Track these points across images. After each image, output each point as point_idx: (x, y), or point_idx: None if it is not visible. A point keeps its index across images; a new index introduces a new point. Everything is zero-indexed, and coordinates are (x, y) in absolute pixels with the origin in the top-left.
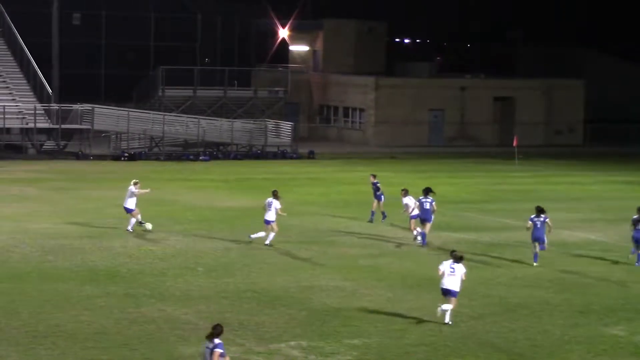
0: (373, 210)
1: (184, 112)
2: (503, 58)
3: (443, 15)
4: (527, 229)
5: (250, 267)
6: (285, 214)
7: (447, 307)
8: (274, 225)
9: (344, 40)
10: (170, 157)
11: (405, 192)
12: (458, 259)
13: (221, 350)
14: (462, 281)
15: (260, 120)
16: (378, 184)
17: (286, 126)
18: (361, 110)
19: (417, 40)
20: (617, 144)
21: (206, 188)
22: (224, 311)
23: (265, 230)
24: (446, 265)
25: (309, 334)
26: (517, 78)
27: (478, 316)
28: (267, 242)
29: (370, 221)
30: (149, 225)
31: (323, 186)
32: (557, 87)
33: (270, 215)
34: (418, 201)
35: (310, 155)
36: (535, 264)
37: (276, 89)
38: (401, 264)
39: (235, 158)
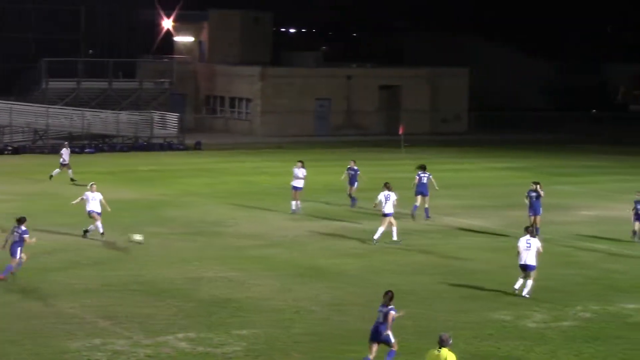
0: (350, 194)
1: (68, 104)
2: (391, 47)
3: (329, 5)
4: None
5: (136, 260)
6: None
7: (529, 284)
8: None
9: (229, 30)
10: (54, 150)
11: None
12: (533, 234)
13: (394, 312)
14: (538, 255)
15: (146, 112)
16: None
17: (172, 117)
18: (248, 100)
19: (303, 30)
20: (501, 131)
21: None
22: (111, 304)
23: None
24: (522, 241)
25: (197, 325)
26: (403, 67)
27: (367, 303)
28: None
29: (353, 206)
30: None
31: (209, 177)
32: (443, 75)
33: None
34: (417, 176)
35: (197, 147)
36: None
37: (162, 80)
38: (289, 254)
39: (121, 150)
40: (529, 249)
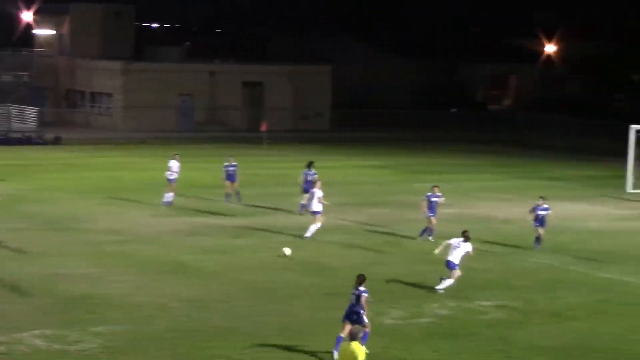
0: (228, 192)
1: None
2: (255, 44)
3: (194, 0)
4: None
5: None
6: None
7: (447, 281)
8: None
9: (91, 24)
10: None
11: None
12: (467, 239)
13: (366, 295)
14: (463, 257)
15: (4, 106)
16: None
17: (31, 111)
18: (109, 95)
19: (167, 25)
20: (365, 129)
21: None
22: None
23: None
24: (454, 240)
25: (53, 322)
26: (266, 63)
27: (228, 300)
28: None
29: (238, 202)
30: None
31: (70, 172)
32: (306, 72)
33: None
34: (303, 174)
35: (57, 141)
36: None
37: (20, 73)
38: (151, 250)
39: None
40: (457, 248)
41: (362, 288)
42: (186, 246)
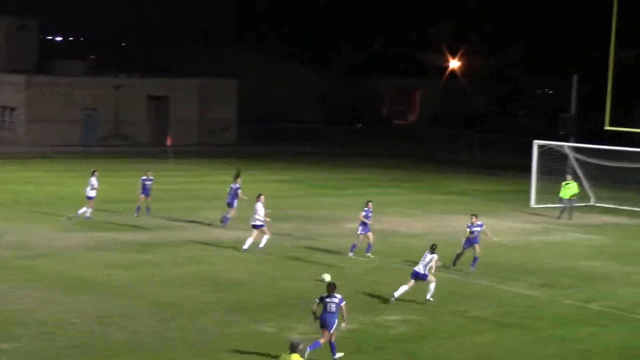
0: (140, 205)
1: None
2: (164, 57)
3: (99, 14)
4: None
5: None
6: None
7: (403, 288)
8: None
9: None
10: None
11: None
12: (432, 250)
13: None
14: (430, 267)
15: None
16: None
17: None
18: (12, 109)
19: (71, 38)
20: (272, 143)
21: None
22: None
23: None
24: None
25: None
26: (173, 77)
27: (133, 315)
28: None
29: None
30: None
31: None
32: (212, 86)
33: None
34: (230, 187)
35: None
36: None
37: None
38: (55, 265)
39: None
40: (423, 261)
41: (339, 296)
42: (91, 261)
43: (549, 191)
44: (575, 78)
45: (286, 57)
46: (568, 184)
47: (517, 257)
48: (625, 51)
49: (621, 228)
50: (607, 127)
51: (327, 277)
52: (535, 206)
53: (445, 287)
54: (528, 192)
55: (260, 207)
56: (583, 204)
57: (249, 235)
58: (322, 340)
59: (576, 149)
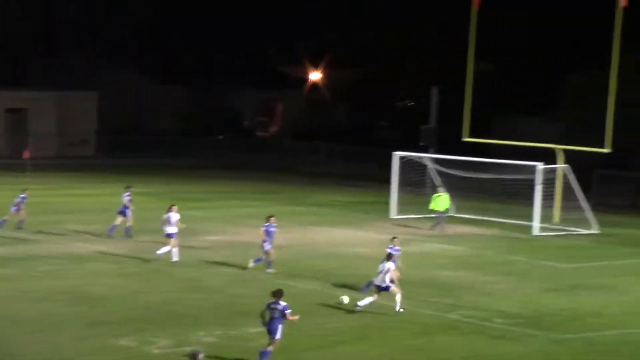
0: (6, 219)
1: None
2: (18, 68)
3: None
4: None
5: None
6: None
7: (368, 299)
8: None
9: None
10: None
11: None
12: (389, 258)
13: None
14: (391, 278)
15: None
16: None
17: None
18: None
19: None
20: (133, 156)
21: None
22: None
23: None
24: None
25: None
26: (30, 89)
27: None
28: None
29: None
30: None
31: None
32: (71, 98)
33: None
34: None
35: None
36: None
37: None
38: None
39: None
40: (381, 273)
41: (283, 303)
42: None
43: (410, 202)
44: (434, 90)
45: (147, 70)
46: (439, 196)
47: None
48: (484, 63)
49: (480, 238)
50: (466, 139)
51: (346, 299)
52: (395, 217)
53: (305, 299)
54: (388, 203)
55: (174, 216)
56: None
57: (167, 245)
58: (270, 348)
59: (436, 160)
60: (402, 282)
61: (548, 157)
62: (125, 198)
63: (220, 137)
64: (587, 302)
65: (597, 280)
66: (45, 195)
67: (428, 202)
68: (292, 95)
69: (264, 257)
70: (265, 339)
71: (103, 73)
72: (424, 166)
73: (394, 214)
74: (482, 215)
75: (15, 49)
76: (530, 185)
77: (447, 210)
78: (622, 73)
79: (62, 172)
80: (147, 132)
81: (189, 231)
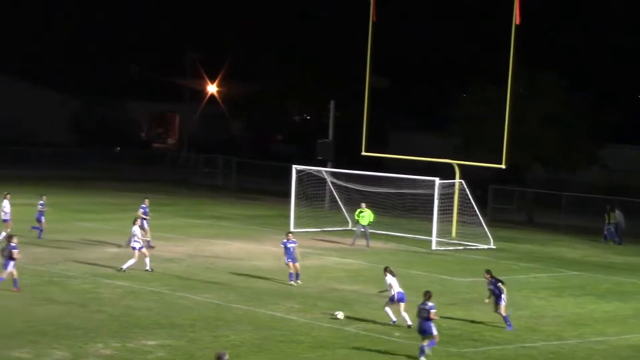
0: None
1: None
2: None
3: None
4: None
5: None
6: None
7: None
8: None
9: None
10: None
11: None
12: (392, 272)
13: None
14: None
15: None
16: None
17: None
18: None
19: None
20: (20, 166)
21: None
22: None
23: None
24: (390, 279)
25: None
26: None
27: None
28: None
29: None
30: None
31: None
32: None
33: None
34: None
35: None
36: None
37: None
38: None
39: None
40: (393, 282)
41: (430, 303)
42: None
43: (308, 216)
44: (332, 104)
45: (34, 79)
46: (362, 212)
47: (276, 282)
48: (380, 78)
49: (377, 252)
50: (364, 153)
51: (340, 315)
52: (294, 230)
53: (203, 312)
54: (286, 217)
55: (137, 230)
56: (341, 228)
57: (132, 257)
58: (429, 342)
59: (334, 174)
60: (300, 295)
61: (443, 172)
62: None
63: (117, 149)
64: (484, 317)
65: None
66: None
67: (327, 215)
68: (189, 107)
69: (292, 270)
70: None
71: None
72: (322, 180)
73: (292, 227)
74: (381, 229)
75: None
76: (427, 200)
77: (369, 225)
78: (514, 89)
79: None
80: (37, 143)
81: (85, 243)
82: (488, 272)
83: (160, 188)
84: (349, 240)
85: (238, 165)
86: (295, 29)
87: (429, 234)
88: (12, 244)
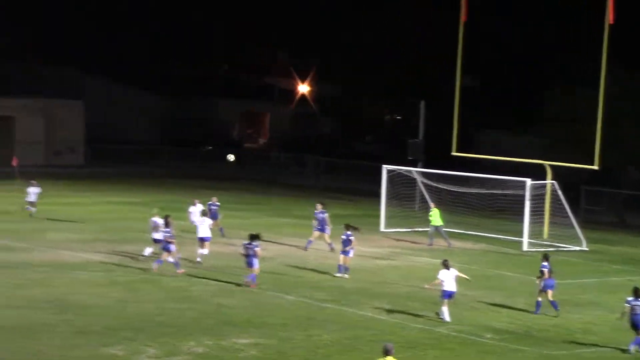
0: None
1: None
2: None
3: None
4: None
5: None
6: None
7: (445, 310)
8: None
9: None
10: None
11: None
12: (448, 266)
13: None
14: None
15: None
16: None
17: None
18: None
19: None
20: (116, 164)
21: None
22: None
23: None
24: (442, 274)
25: None
26: (16, 97)
27: None
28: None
29: None
30: None
31: None
32: (57, 107)
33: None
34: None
35: None
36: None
37: None
38: None
39: None
40: (450, 279)
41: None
42: None
43: (398, 216)
44: (422, 104)
45: (127, 80)
46: (431, 212)
47: (366, 281)
48: (469, 78)
49: (467, 253)
50: (454, 153)
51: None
52: (384, 230)
53: (295, 311)
54: (376, 216)
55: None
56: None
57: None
58: None
59: (424, 174)
60: (390, 295)
61: (533, 172)
62: (212, 207)
63: (208, 148)
64: (576, 319)
65: (586, 296)
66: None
67: (417, 216)
68: (280, 107)
69: (341, 264)
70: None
71: (82, 82)
72: (413, 180)
73: (383, 227)
74: (470, 229)
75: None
76: (518, 201)
77: (438, 225)
78: (608, 90)
79: (49, 181)
80: (129, 142)
81: (179, 241)
82: (545, 256)
83: (251, 187)
84: (440, 241)
85: (327, 165)
86: (385, 28)
87: (519, 235)
88: (254, 244)
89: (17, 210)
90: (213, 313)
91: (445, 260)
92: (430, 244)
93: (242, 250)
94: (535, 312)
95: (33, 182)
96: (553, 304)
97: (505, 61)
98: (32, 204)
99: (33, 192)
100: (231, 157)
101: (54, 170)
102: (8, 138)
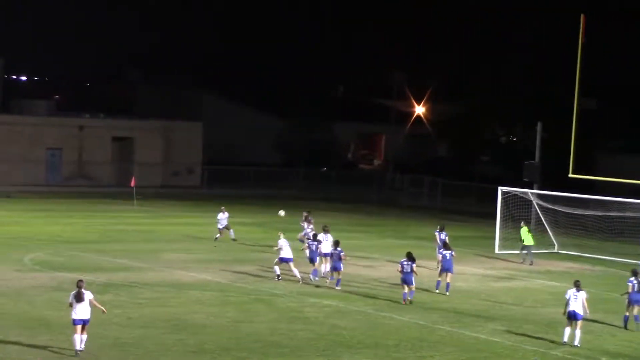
0: None
1: None
2: (122, 98)
3: (61, 54)
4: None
5: None
6: None
7: (577, 333)
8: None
9: None
10: None
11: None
12: (579, 287)
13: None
14: (584, 305)
15: None
16: None
17: None
18: None
19: (35, 78)
20: (235, 186)
21: None
22: None
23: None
24: (570, 293)
25: None
26: (137, 118)
27: (93, 357)
28: None
29: None
30: None
31: None
32: (176, 128)
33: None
34: None
35: None
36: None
37: None
38: (16, 305)
39: None
40: (576, 300)
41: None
42: (51, 301)
43: (513, 237)
44: (539, 125)
45: (246, 101)
46: (522, 230)
47: (480, 303)
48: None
49: (584, 275)
50: (571, 175)
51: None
52: (499, 252)
53: (407, 332)
54: (491, 238)
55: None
56: (547, 251)
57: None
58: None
59: (540, 196)
60: (505, 318)
61: None
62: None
63: (323, 169)
64: None
65: None
66: (149, 224)
67: (532, 237)
68: (395, 128)
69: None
70: None
71: (202, 103)
72: (528, 202)
73: (497, 249)
74: (586, 252)
75: (117, 79)
76: (635, 223)
77: (527, 244)
78: None
79: (167, 201)
80: (246, 163)
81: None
82: (634, 272)
83: (366, 208)
84: (555, 263)
85: (443, 186)
86: (501, 49)
87: (639, 257)
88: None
89: (136, 230)
90: (327, 334)
91: (577, 281)
92: (531, 263)
93: (399, 268)
94: (624, 327)
95: (222, 208)
96: (637, 318)
97: (624, 82)
98: (226, 227)
99: (222, 217)
100: (282, 213)
101: (172, 191)
102: (128, 158)
